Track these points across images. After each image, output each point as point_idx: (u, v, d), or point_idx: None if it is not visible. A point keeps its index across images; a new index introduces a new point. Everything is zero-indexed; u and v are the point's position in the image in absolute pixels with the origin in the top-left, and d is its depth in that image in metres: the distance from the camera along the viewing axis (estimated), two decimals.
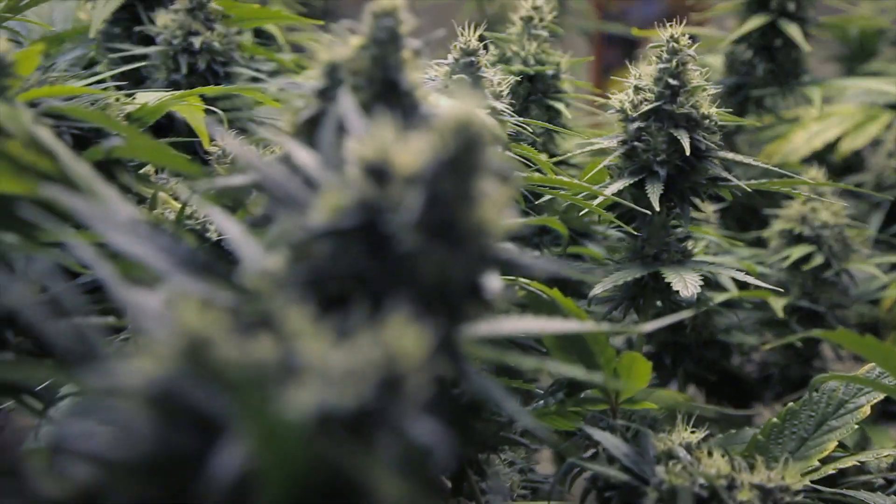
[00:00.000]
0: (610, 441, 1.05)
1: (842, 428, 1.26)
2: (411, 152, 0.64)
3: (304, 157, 0.76)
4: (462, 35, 1.23)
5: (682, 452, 1.04)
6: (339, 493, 0.50)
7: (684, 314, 1.02)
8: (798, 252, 1.69)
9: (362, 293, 0.64)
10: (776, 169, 1.44)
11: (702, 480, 1.00)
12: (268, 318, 0.55)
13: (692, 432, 1.07)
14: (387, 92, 0.88)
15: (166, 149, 0.91)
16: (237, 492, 0.49)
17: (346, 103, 0.73)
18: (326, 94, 0.89)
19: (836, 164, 2.17)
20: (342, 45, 0.90)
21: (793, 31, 1.90)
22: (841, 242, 1.71)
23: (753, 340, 1.75)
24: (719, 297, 1.62)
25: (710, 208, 1.75)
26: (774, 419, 1.29)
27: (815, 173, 1.77)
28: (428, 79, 0.90)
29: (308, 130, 0.88)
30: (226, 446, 0.48)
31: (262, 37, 1.90)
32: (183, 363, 0.50)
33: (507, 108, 1.24)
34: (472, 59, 1.22)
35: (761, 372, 1.82)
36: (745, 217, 1.96)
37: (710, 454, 1.03)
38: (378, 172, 0.64)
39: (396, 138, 0.65)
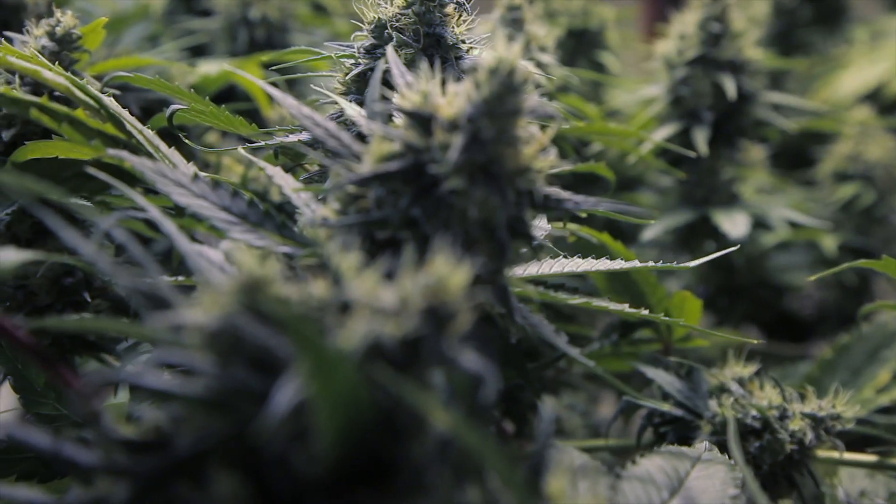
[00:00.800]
0: (663, 378, 1.09)
1: (893, 359, 1.29)
2: (452, 99, 0.67)
3: (354, 111, 0.79)
4: None
5: (734, 386, 1.06)
6: (391, 423, 0.54)
7: (730, 250, 1.04)
8: (848, 191, 1.71)
9: (411, 236, 0.68)
10: (823, 109, 1.45)
11: (754, 412, 1.02)
12: (322, 262, 0.58)
13: (744, 367, 1.10)
14: (432, 46, 0.92)
15: (226, 113, 0.95)
16: (294, 424, 0.53)
17: (391, 58, 0.77)
18: (374, 52, 0.93)
19: (888, 101, 2.16)
20: (388, 3, 0.94)
21: None
22: (891, 179, 1.72)
23: (805, 279, 1.77)
24: (771, 239, 1.63)
25: (760, 151, 1.76)
26: (827, 353, 1.32)
27: (863, 112, 1.77)
28: (473, 33, 0.93)
29: (359, 86, 0.92)
30: (284, 382, 0.52)
31: (317, 7, 1.94)
32: (242, 302, 0.54)
33: (554, 61, 1.27)
34: (517, 13, 1.25)
35: (817, 310, 1.83)
36: (797, 159, 1.97)
37: (762, 387, 1.06)
38: (421, 119, 0.68)
39: (438, 87, 0.69)
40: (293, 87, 1.50)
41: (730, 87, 1.36)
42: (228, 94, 1.51)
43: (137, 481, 0.54)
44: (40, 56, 0.86)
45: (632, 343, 1.18)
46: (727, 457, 0.83)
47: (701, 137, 1.37)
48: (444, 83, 0.69)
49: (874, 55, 2.15)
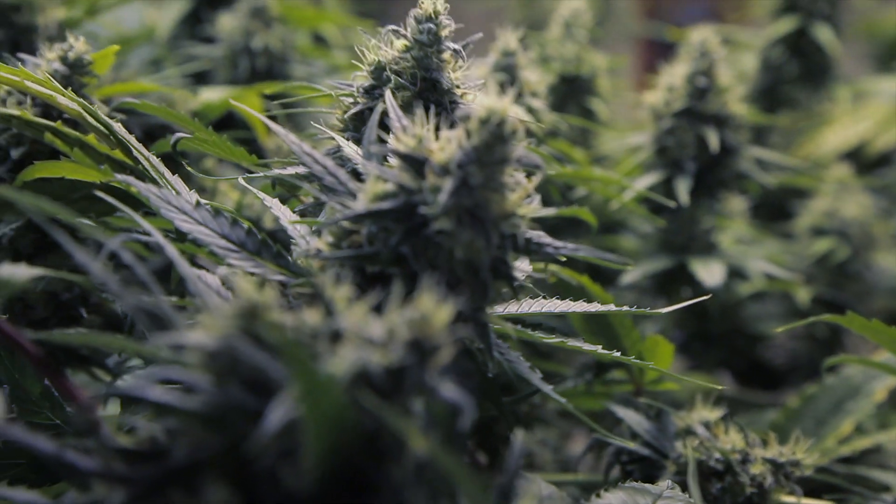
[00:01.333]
0: (632, 418, 1.13)
1: (857, 411, 1.33)
2: (444, 145, 0.72)
3: (352, 150, 0.84)
4: (502, 36, 1.31)
5: (700, 429, 1.11)
6: (374, 444, 0.58)
7: (703, 298, 1.09)
8: (823, 245, 1.76)
9: (399, 272, 0.72)
10: (802, 166, 1.51)
11: (717, 455, 1.07)
12: (315, 291, 0.63)
13: (711, 412, 1.14)
14: (428, 90, 0.96)
15: (228, 143, 0.99)
16: (284, 442, 0.57)
17: (389, 101, 0.81)
18: (373, 92, 0.98)
19: (868, 160, 2.22)
20: (388, 47, 0.98)
21: (823, 33, 1.95)
22: (866, 236, 1.77)
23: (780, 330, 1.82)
24: (747, 288, 1.68)
25: (740, 203, 1.82)
26: (794, 402, 1.36)
27: (842, 170, 1.82)
28: (468, 78, 0.97)
29: (356, 124, 0.97)
30: (276, 403, 0.56)
31: (318, 38, 1.99)
32: (240, 326, 0.58)
33: (544, 106, 1.32)
34: (511, 59, 1.30)
35: (789, 360, 1.88)
36: (776, 212, 2.02)
37: (727, 432, 1.10)
38: (415, 162, 0.72)
39: (432, 132, 0.73)
40: (291, 118, 1.54)
41: (713, 140, 1.41)
42: (227, 121, 1.56)
43: (134, 488, 0.58)
44: (53, 80, 0.91)
45: (605, 383, 1.23)
46: (688, 496, 0.87)
47: (682, 187, 1.42)
48: (437, 129, 0.74)
49: (857, 114, 2.21)
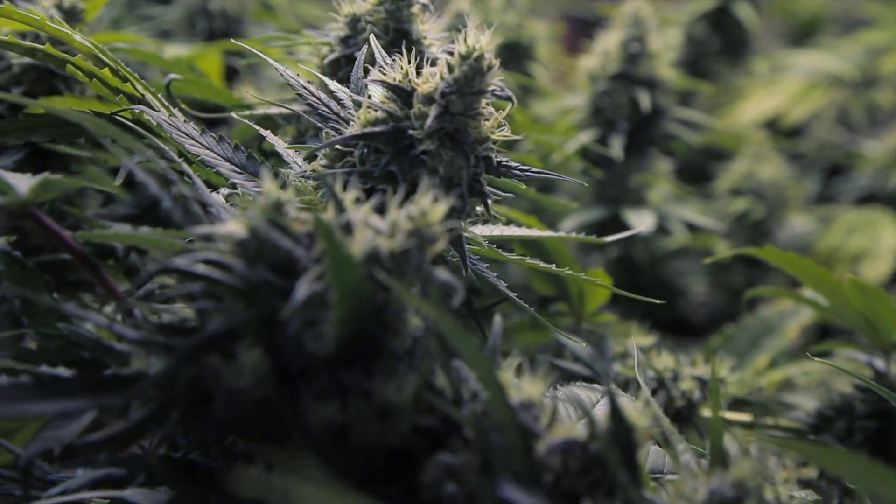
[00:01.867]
0: (574, 344, 1.25)
1: (772, 347, 1.47)
2: (428, 78, 0.83)
3: (337, 86, 0.95)
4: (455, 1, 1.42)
5: (635, 352, 1.23)
6: (381, 316, 0.69)
7: (635, 231, 1.23)
8: (741, 205, 1.90)
9: (389, 187, 0.83)
10: (724, 128, 1.64)
11: (651, 373, 1.19)
12: (326, 195, 0.73)
13: (645, 338, 1.27)
14: (399, 39, 1.07)
15: (214, 85, 1.09)
16: (307, 314, 0.68)
17: (374, 43, 0.92)
18: (348, 41, 1.08)
19: (783, 130, 2.38)
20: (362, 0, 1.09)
21: (743, 10, 2.09)
22: (780, 197, 1.92)
23: (698, 284, 1.95)
24: (671, 243, 1.81)
25: (667, 165, 1.95)
26: (716, 340, 1.50)
27: (759, 135, 1.97)
28: (433, 30, 1.08)
29: (333, 70, 1.08)
30: (302, 281, 0.67)
31: (265, 5, 2.09)
32: (267, 217, 0.69)
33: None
34: (462, 21, 1.41)
35: (708, 315, 2.02)
36: (698, 174, 2.16)
37: (659, 355, 1.23)
38: (402, 92, 0.83)
39: (415, 68, 0.84)
40: (253, 72, 1.64)
41: (645, 101, 1.54)
42: None
43: (175, 355, 0.68)
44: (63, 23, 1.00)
45: (549, 316, 1.35)
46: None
47: (617, 143, 1.55)
48: (419, 66, 0.85)
49: (772, 88, 2.36)
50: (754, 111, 2.34)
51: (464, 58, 0.81)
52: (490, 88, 0.83)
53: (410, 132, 0.82)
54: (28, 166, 1.12)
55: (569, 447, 0.67)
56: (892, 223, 2.00)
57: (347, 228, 0.71)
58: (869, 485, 0.62)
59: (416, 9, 1.08)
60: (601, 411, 0.95)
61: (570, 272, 0.98)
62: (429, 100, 0.82)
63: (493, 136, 0.84)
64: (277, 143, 0.93)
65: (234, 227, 0.70)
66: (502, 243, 1.26)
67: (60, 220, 1.14)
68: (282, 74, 0.90)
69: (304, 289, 0.66)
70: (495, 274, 0.92)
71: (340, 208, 0.72)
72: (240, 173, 0.89)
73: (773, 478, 0.68)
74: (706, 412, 1.22)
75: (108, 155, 1.11)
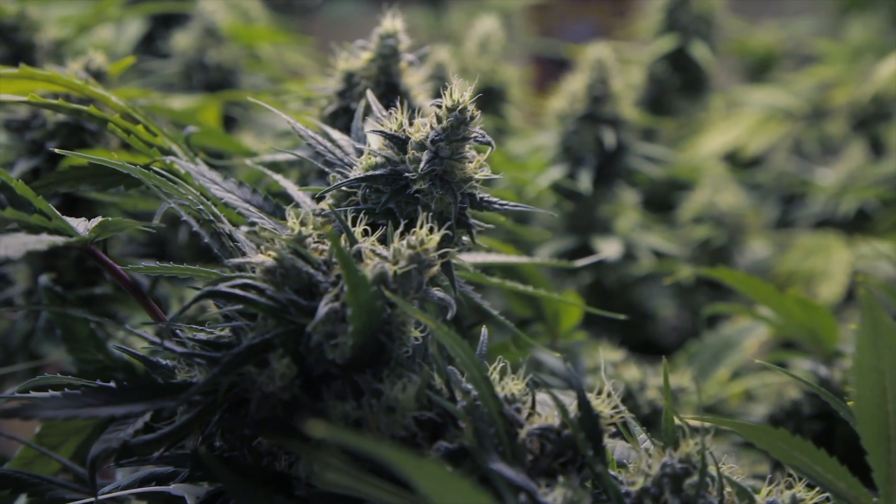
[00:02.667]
0: (549, 359, 1.40)
1: (732, 361, 1.62)
2: (420, 127, 0.97)
3: (339, 135, 1.09)
4: (435, 51, 1.57)
5: (606, 366, 1.38)
6: (387, 327, 0.83)
7: (601, 256, 1.37)
8: (702, 232, 2.05)
9: (389, 222, 0.98)
10: (684, 160, 1.79)
11: (620, 384, 1.34)
12: (339, 230, 0.87)
13: (615, 353, 1.41)
14: (389, 91, 1.22)
15: (228, 137, 1.24)
16: (328, 328, 0.82)
17: (370, 97, 1.06)
18: (344, 95, 1.23)
19: (742, 162, 2.53)
20: (356, 58, 1.23)
21: (699, 50, 2.26)
22: (739, 224, 2.07)
23: (666, 307, 2.10)
24: (639, 269, 1.96)
25: (633, 196, 2.10)
26: (681, 357, 1.64)
27: (718, 166, 2.12)
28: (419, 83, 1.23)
29: (332, 120, 1.22)
30: (323, 302, 0.81)
31: (252, 55, 2.23)
32: (291, 249, 0.83)
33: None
34: (442, 70, 1.56)
35: (678, 338, 2.17)
36: (662, 204, 2.31)
37: (628, 367, 1.38)
38: (398, 140, 0.97)
39: (407, 119, 0.99)
40: (248, 121, 1.78)
41: (610, 138, 1.69)
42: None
43: (218, 365, 0.82)
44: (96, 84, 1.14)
45: (527, 335, 1.48)
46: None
47: (585, 178, 1.69)
48: (411, 117, 0.99)
49: (731, 121, 2.52)
50: (714, 143, 2.49)
51: (450, 110, 0.96)
52: (473, 135, 0.97)
53: (406, 174, 0.96)
54: (62, 210, 1.26)
55: (545, 433, 0.81)
56: (843, 246, 2.15)
57: (358, 256, 0.85)
58: (790, 455, 0.76)
59: (403, 64, 1.23)
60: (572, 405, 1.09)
61: (546, 293, 1.12)
62: (421, 146, 0.97)
63: (476, 176, 0.99)
64: (289, 185, 1.08)
65: (263, 257, 0.84)
66: (485, 269, 1.41)
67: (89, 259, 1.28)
68: (293, 127, 1.04)
69: (325, 307, 0.80)
70: (479, 295, 1.06)
71: (352, 240, 0.86)
72: (257, 213, 1.03)
73: (715, 457, 0.82)
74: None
75: (132, 200, 1.26)
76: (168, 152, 1.06)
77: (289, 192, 1.07)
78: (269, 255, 0.84)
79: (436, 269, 0.85)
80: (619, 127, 1.74)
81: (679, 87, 2.34)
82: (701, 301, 2.06)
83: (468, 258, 1.14)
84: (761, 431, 0.78)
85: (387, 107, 1.05)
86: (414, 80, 1.23)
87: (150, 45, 2.03)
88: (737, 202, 2.10)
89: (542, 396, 1.07)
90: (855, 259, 2.03)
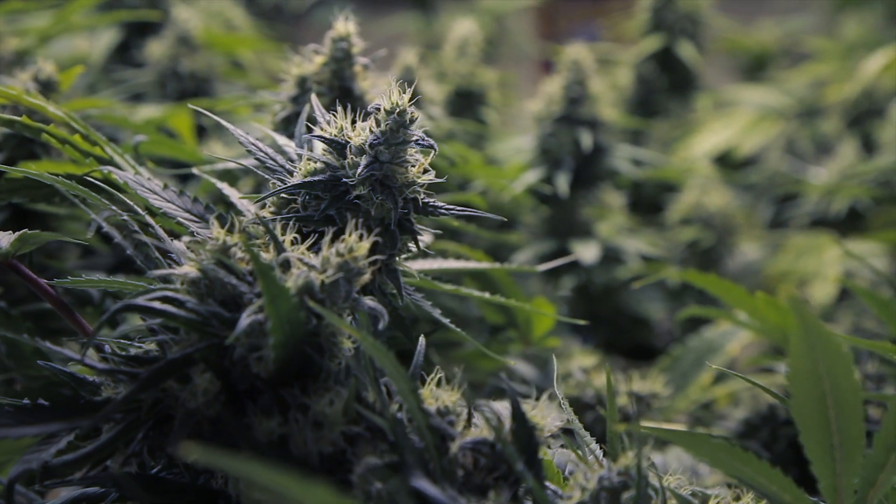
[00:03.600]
0: (521, 367, 1.36)
1: (714, 362, 1.58)
2: (359, 132, 0.94)
3: (284, 141, 1.06)
4: (403, 55, 1.54)
5: (577, 373, 1.34)
6: (316, 339, 0.80)
7: (581, 258, 1.35)
8: (690, 234, 2.01)
9: (328, 229, 0.94)
10: (667, 161, 1.76)
11: (591, 391, 1.30)
12: (268, 239, 0.84)
13: (587, 359, 1.38)
14: (343, 96, 1.19)
15: (180, 145, 1.21)
16: (251, 341, 0.78)
17: (314, 102, 1.03)
18: (298, 100, 1.20)
19: (735, 162, 2.50)
20: (309, 62, 1.20)
21: (685, 50, 2.22)
22: (728, 225, 2.03)
23: (658, 311, 2.06)
24: (625, 272, 1.92)
25: (619, 198, 2.07)
26: (664, 362, 1.61)
27: (706, 167, 2.08)
28: (375, 86, 1.19)
29: (285, 125, 1.19)
30: (245, 313, 0.78)
31: (235, 63, 2.21)
32: (215, 259, 0.80)
33: (442, 114, 1.55)
34: (411, 74, 1.52)
35: (669, 340, 2.13)
36: (651, 206, 2.28)
37: (599, 373, 1.34)
38: (337, 145, 0.94)
39: (349, 123, 0.95)
40: (220, 128, 1.75)
41: (586, 140, 1.66)
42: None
43: (138, 380, 0.79)
44: (39, 95, 1.11)
45: (500, 342, 1.45)
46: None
47: (562, 181, 1.66)
48: (353, 121, 0.96)
49: (724, 121, 2.48)
50: (707, 144, 2.46)
51: (388, 113, 0.93)
52: (414, 138, 0.94)
53: (345, 180, 0.93)
54: (11, 224, 1.23)
55: (478, 446, 0.78)
56: (836, 246, 2.11)
57: (286, 265, 0.82)
58: (732, 466, 0.72)
59: (357, 68, 1.20)
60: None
61: (508, 301, 1.09)
62: (361, 151, 0.93)
63: (420, 181, 0.95)
64: (232, 193, 1.05)
65: (187, 268, 0.81)
66: (453, 277, 1.38)
67: (43, 272, 1.25)
68: (232, 133, 1.01)
69: (246, 319, 0.77)
70: (430, 303, 1.03)
71: (279, 248, 0.83)
72: (198, 222, 1.00)
73: (657, 467, 0.79)
74: (643, 424, 1.32)
75: (84, 212, 1.23)
76: (107, 162, 1.03)
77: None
78: (193, 266, 0.81)
79: (366, 277, 0.81)
80: (598, 128, 1.71)
81: (667, 87, 2.30)
82: (689, 304, 2.02)
83: (424, 264, 1.11)
84: (701, 441, 0.74)
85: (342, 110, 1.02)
86: (368, 83, 1.20)
87: (124, 54, 2.00)
88: (725, 203, 2.06)
89: (497, 405, 1.04)
90: (846, 259, 1.99)
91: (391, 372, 0.77)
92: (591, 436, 1.29)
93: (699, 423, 1.43)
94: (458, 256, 1.42)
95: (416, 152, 0.97)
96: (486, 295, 1.10)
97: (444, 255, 1.48)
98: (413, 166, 0.96)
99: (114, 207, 0.95)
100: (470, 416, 0.82)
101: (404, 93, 0.94)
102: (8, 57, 1.55)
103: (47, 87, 1.23)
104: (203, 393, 0.79)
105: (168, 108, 1.62)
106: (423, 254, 1.14)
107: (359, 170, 0.92)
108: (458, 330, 1.03)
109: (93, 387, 0.86)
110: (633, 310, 2.07)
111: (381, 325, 0.83)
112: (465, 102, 1.88)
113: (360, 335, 0.77)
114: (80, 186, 0.88)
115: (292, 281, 0.79)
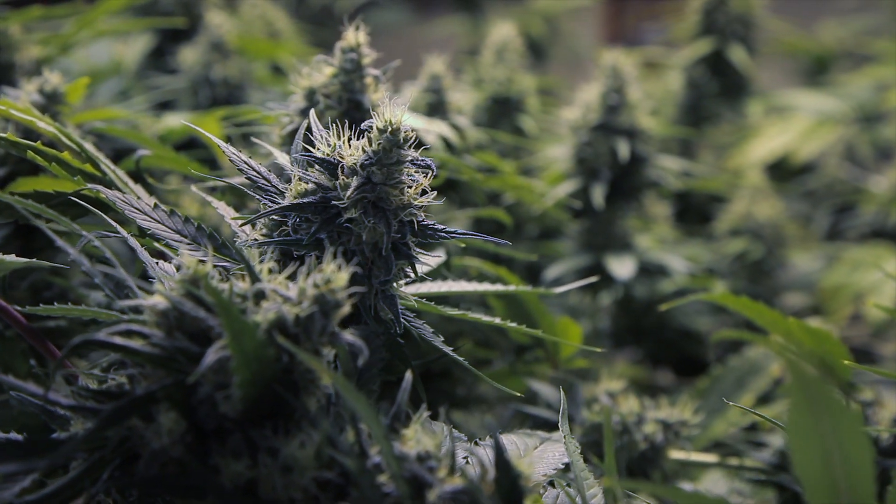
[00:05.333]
0: (546, 390, 1.30)
1: (757, 387, 1.50)
2: (354, 150, 0.89)
3: (284, 159, 1.01)
4: (430, 62, 1.48)
5: (604, 398, 1.28)
6: (290, 377, 0.75)
7: (615, 274, 1.29)
8: (738, 245, 1.93)
9: (319, 254, 0.89)
10: (710, 172, 1.68)
11: (616, 417, 1.24)
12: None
13: (615, 383, 1.31)
14: (353, 109, 1.14)
15: (183, 159, 1.16)
16: (219, 377, 0.73)
17: (312, 118, 0.98)
18: (306, 112, 1.15)
19: (793, 169, 2.41)
20: (318, 73, 1.15)
21: (736, 53, 2.14)
22: (779, 236, 1.95)
23: (705, 323, 1.98)
24: (669, 285, 1.85)
25: (664, 208, 2.00)
26: (704, 382, 1.54)
27: (756, 176, 2.00)
28: (386, 98, 1.14)
29: (290, 140, 1.14)
30: (212, 348, 0.73)
31: (276, 68, 2.17)
32: (185, 290, 0.75)
33: (468, 123, 1.49)
34: (438, 82, 1.47)
35: (720, 355, 2.05)
36: (699, 216, 2.20)
37: (626, 398, 1.27)
38: (329, 165, 0.89)
39: (346, 141, 0.90)
40: (247, 138, 1.71)
41: (623, 149, 1.59)
42: (191, 144, 1.72)
43: (101, 417, 0.74)
44: (33, 109, 1.07)
45: (526, 363, 1.39)
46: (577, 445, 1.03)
47: (598, 193, 1.59)
48: (350, 139, 0.91)
49: (782, 126, 2.39)
50: (763, 150, 2.37)
51: (381, 131, 0.87)
52: (409, 158, 0.89)
53: (334, 202, 0.88)
54: (14, 240, 1.20)
55: (458, 496, 0.72)
56: (895, 258, 2.02)
57: (260, 296, 0.77)
58: None
59: (368, 80, 1.14)
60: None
61: (508, 324, 1.03)
62: (353, 171, 0.88)
63: (416, 202, 0.90)
64: (226, 214, 1.00)
65: (156, 298, 0.76)
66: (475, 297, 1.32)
67: (47, 289, 1.22)
68: (223, 150, 0.96)
69: (212, 355, 0.72)
70: (431, 330, 0.97)
71: (254, 278, 0.78)
72: (189, 244, 0.96)
73: None
74: (673, 454, 1.26)
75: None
76: (96, 179, 0.99)
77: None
78: (161, 297, 0.76)
79: (345, 310, 0.76)
80: (637, 138, 1.64)
81: (717, 91, 2.22)
82: (737, 317, 1.94)
83: (430, 287, 1.05)
84: (696, 501, 0.68)
85: (351, 126, 0.97)
86: (380, 95, 1.15)
87: (159, 60, 1.97)
88: (776, 213, 1.98)
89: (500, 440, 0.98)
90: None
91: (364, 415, 0.72)
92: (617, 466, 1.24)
93: (733, 453, 1.36)
94: (480, 275, 1.36)
95: (414, 172, 0.92)
96: (497, 320, 1.04)
97: (466, 274, 1.43)
98: (410, 187, 0.90)
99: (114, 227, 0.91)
100: (453, 461, 0.76)
101: (398, 108, 0.88)
102: (28, 65, 1.52)
103: (53, 100, 1.20)
104: (168, 433, 0.74)
105: (193, 116, 1.58)
106: (439, 275, 1.10)
107: (348, 192, 0.87)
108: (461, 360, 0.97)
109: (62, 420, 0.82)
110: (679, 322, 1.99)
111: (360, 361, 0.77)
112: (502, 110, 1.82)
113: (331, 375, 0.72)
114: (48, 209, 0.84)
115: (263, 315, 0.74)
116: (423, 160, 0.90)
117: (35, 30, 1.65)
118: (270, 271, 0.79)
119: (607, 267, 1.59)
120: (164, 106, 1.86)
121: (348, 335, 0.76)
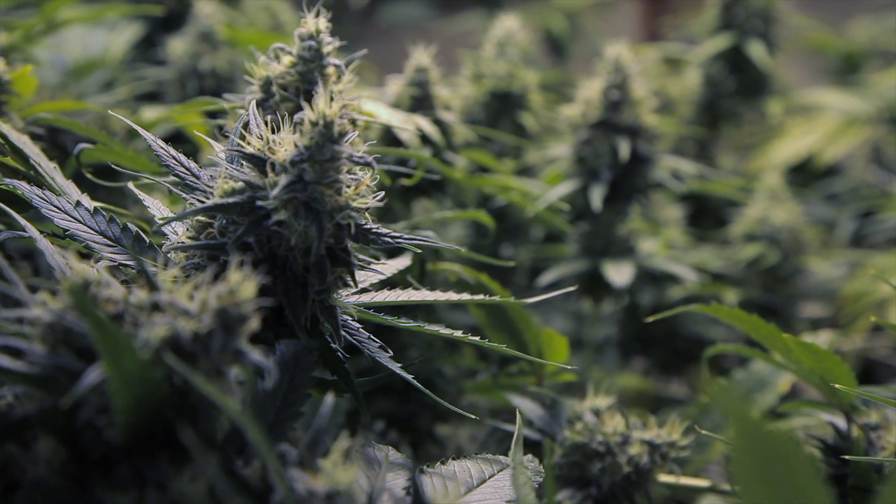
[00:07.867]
0: (527, 406, 1.21)
1: (763, 402, 1.40)
2: (285, 145, 0.80)
3: (220, 153, 0.92)
4: (415, 54, 1.39)
5: (588, 416, 1.18)
6: (186, 401, 0.66)
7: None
8: (752, 251, 1.83)
9: (244, 258, 0.81)
10: (716, 174, 1.58)
11: (599, 437, 1.14)
12: (151, 277, 0.71)
13: (601, 399, 1.22)
14: (310, 101, 1.05)
15: (132, 152, 1.08)
16: (101, 399, 0.65)
17: (251, 110, 0.89)
18: (263, 104, 1.06)
19: (817, 170, 2.30)
20: (276, 63, 1.07)
21: (755, 50, 2.03)
22: (796, 242, 1.84)
23: (717, 332, 1.88)
24: (678, 292, 1.75)
25: (676, 211, 1.89)
26: (706, 396, 1.43)
27: (773, 179, 1.90)
28: (348, 91, 1.05)
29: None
30: (93, 366, 0.64)
31: None
32: (70, 300, 0.67)
33: (455, 119, 1.40)
34: (423, 75, 1.37)
35: (734, 362, 1.95)
36: (713, 219, 2.10)
37: (612, 416, 1.18)
38: (259, 161, 0.80)
39: (279, 135, 0.81)
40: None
41: (624, 148, 1.49)
42: (176, 138, 1.64)
43: None
44: None
45: (509, 375, 1.30)
46: (541, 467, 0.94)
47: (596, 194, 1.50)
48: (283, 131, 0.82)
49: (807, 126, 2.29)
50: (788, 151, 2.27)
51: (313, 124, 0.79)
52: (345, 155, 0.80)
53: (259, 203, 0.79)
54: None
55: None
56: None
57: (155, 308, 0.68)
58: None
59: (330, 70, 1.06)
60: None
61: (469, 338, 0.93)
62: (283, 168, 0.80)
63: (355, 204, 0.81)
64: (157, 213, 0.92)
65: (41, 310, 0.68)
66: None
67: None
68: (150, 145, 0.88)
69: (92, 374, 0.64)
70: (378, 345, 0.88)
71: (153, 287, 0.69)
72: (111, 246, 0.87)
73: None
74: (660, 477, 1.16)
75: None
76: (17, 173, 0.91)
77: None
78: (43, 309, 0.68)
79: (252, 324, 0.67)
80: (639, 136, 1.54)
81: (736, 89, 2.12)
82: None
83: (381, 296, 0.96)
84: None
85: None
86: (342, 87, 1.06)
87: (148, 50, 1.89)
88: (793, 217, 1.87)
89: (452, 467, 0.89)
90: None
91: (258, 447, 0.63)
92: (598, 488, 1.14)
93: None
94: (458, 281, 1.27)
95: (357, 170, 0.83)
96: (457, 333, 0.95)
97: (441, 281, 1.34)
98: (349, 187, 0.82)
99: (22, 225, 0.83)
100: (372, 493, 0.67)
101: (333, 101, 0.79)
102: None
103: None
104: (45, 462, 0.65)
105: (171, 109, 1.50)
106: (392, 284, 1.01)
107: (276, 190, 0.78)
108: (406, 375, 0.88)
109: None
110: (691, 331, 1.89)
111: (268, 384, 0.68)
112: (503, 106, 1.73)
113: (223, 400, 0.63)
114: None
115: (153, 331, 0.65)
116: (362, 157, 0.81)
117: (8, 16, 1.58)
118: (175, 279, 0.71)
119: (604, 273, 1.50)
120: (152, 98, 1.78)
121: (255, 354, 0.67)
